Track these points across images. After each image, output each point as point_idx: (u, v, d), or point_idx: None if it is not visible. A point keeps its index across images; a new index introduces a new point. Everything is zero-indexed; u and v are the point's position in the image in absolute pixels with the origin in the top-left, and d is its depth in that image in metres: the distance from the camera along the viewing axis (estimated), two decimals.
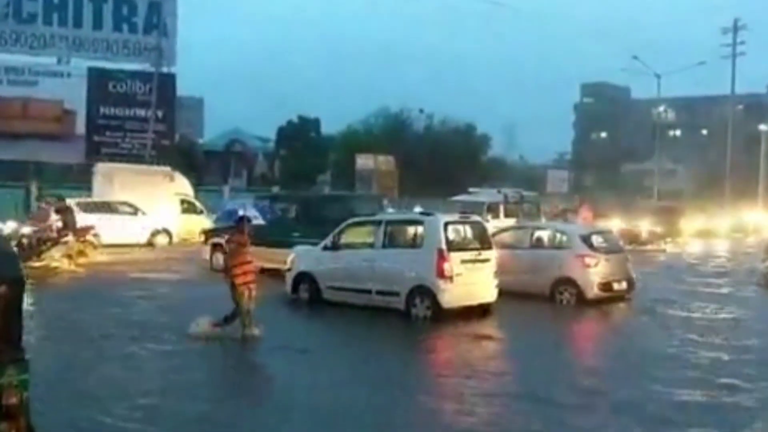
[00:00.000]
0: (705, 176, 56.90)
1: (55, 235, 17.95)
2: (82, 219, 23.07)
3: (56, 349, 9.45)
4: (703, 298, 15.31)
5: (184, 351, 9.90)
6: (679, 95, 62.42)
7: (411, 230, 13.46)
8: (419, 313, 12.35)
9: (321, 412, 7.50)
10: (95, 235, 20.03)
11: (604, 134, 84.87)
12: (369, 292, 12.98)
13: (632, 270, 15.29)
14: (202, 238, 19.95)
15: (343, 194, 29.54)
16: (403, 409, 7.74)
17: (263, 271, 13.78)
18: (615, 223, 27.25)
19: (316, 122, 58.19)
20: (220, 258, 18.40)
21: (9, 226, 18.47)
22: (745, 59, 50.25)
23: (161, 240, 24.50)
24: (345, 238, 13.83)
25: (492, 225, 17.64)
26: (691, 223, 32.63)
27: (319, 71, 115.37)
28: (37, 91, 35.49)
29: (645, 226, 28.47)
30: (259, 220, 15.24)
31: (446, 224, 12.75)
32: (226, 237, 17.62)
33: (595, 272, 14.27)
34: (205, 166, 52.50)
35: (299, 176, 48.43)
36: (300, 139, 55.65)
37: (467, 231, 13.52)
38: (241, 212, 14.67)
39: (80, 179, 36.67)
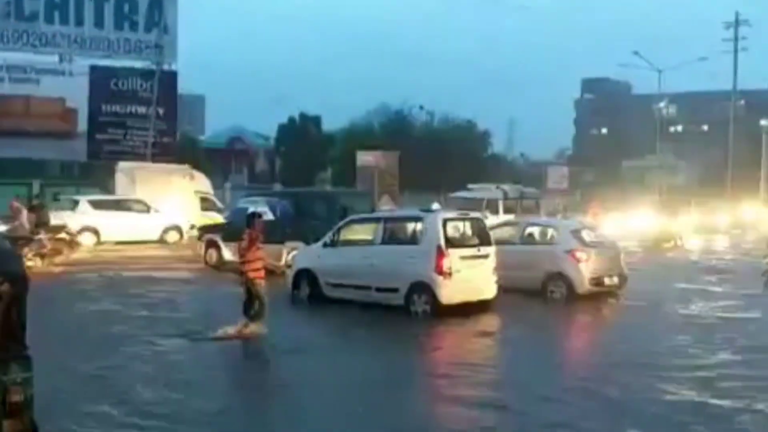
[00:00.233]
0: (706, 172, 56.91)
1: (27, 233, 17.55)
2: (94, 216, 23.53)
3: None
4: (700, 295, 15.36)
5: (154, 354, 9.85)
6: (680, 91, 62.45)
7: (410, 227, 13.58)
8: (418, 310, 12.44)
9: (324, 411, 7.57)
10: (70, 234, 19.78)
11: (604, 130, 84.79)
12: (368, 288, 13.08)
13: (625, 265, 15.41)
14: (197, 235, 20.24)
15: (334, 191, 29.88)
16: (401, 408, 7.83)
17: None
18: (637, 220, 27.52)
19: (316, 119, 58.23)
20: (213, 254, 18.79)
21: None
22: (746, 54, 50.33)
23: (172, 236, 24.68)
24: (345, 235, 13.94)
25: (488, 222, 17.73)
26: (691, 219, 32.68)
27: (319, 68, 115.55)
28: (39, 90, 35.49)
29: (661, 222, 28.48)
30: (269, 217, 15.36)
31: (445, 221, 12.85)
32: (221, 234, 17.84)
33: (585, 267, 14.39)
34: (206, 163, 52.52)
35: (300, 173, 48.50)
36: (301, 137, 55.68)
37: (466, 227, 13.63)
38: (251, 209, 14.82)
39: (82, 177, 36.88)
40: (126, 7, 37.52)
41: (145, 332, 10.88)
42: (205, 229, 20.12)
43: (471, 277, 12.72)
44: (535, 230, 15.93)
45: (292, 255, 14.84)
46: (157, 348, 10.03)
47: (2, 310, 3.84)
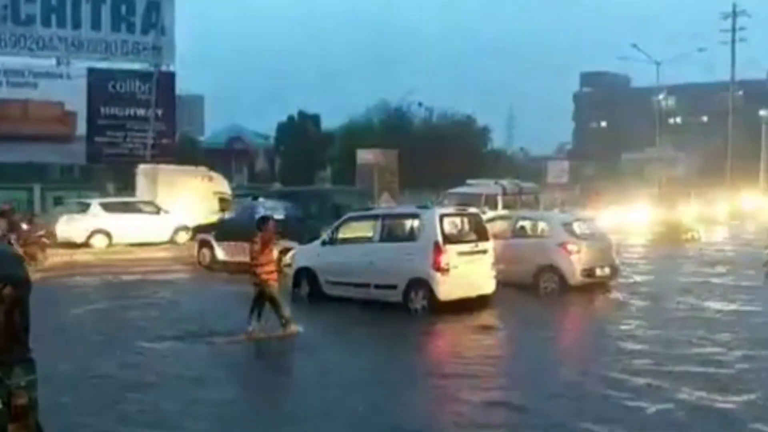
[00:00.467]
0: (706, 163, 56.87)
1: None
2: (105, 219, 23.74)
3: None
4: (701, 288, 15.38)
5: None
6: (679, 82, 62.38)
7: (408, 224, 13.63)
8: (417, 307, 12.49)
9: (324, 409, 7.60)
10: (41, 237, 19.71)
11: (604, 123, 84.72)
12: (367, 286, 13.14)
13: (616, 256, 15.55)
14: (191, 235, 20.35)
15: (327, 189, 29.97)
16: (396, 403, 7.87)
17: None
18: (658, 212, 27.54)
19: (315, 118, 58.16)
20: (206, 254, 18.94)
21: None
22: (745, 45, 50.27)
23: (182, 237, 24.80)
24: (344, 233, 14.00)
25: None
26: (691, 210, 32.68)
27: (318, 66, 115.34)
28: (38, 93, 35.53)
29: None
30: (280, 217, 15.41)
31: (442, 217, 12.90)
32: (215, 234, 17.93)
33: (577, 259, 14.48)
34: (206, 164, 52.52)
35: (300, 172, 48.48)
36: (300, 135, 55.61)
37: (464, 223, 13.68)
38: (262, 211, 14.87)
39: (83, 180, 36.95)
40: (123, 9, 37.54)
41: (131, 335, 10.90)
42: (198, 229, 20.23)
43: (469, 273, 12.75)
44: (527, 224, 16.07)
45: (290, 254, 14.90)
46: (150, 350, 10.07)
47: (5, 313, 3.86)
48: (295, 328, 10.77)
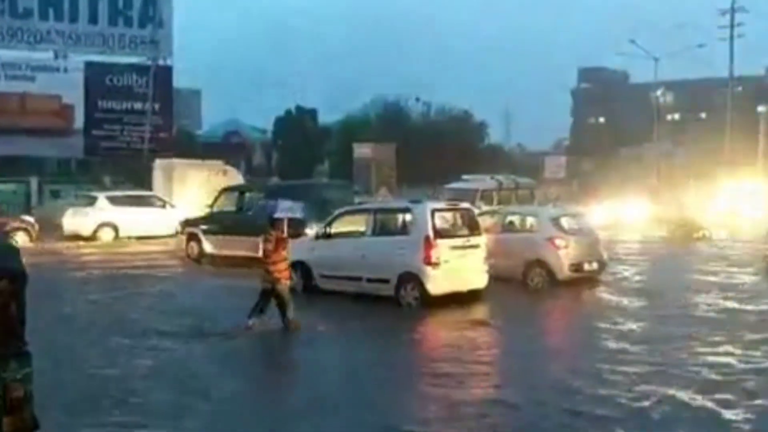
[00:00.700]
0: (704, 159, 56.85)
1: None
2: (112, 212, 23.88)
3: None
4: (700, 284, 15.33)
5: None
6: (677, 78, 62.34)
7: (400, 218, 13.71)
8: (408, 300, 12.57)
9: (319, 403, 7.67)
10: (7, 233, 19.76)
11: (602, 119, 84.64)
12: (360, 279, 13.21)
13: (603, 251, 15.72)
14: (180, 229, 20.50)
15: (314, 183, 30.11)
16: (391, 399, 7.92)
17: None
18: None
19: (313, 112, 58.15)
20: (195, 247, 19.14)
21: None
22: (744, 41, 50.19)
23: None
24: (337, 227, 14.07)
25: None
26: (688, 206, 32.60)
27: (315, 60, 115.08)
28: (35, 87, 35.63)
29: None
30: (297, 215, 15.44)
31: (434, 211, 12.95)
32: (203, 228, 18.00)
33: (565, 254, 14.58)
34: (203, 158, 52.54)
35: (297, 166, 48.52)
36: (297, 129, 55.61)
37: (456, 218, 13.75)
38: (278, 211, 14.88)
39: (80, 173, 36.99)
40: (120, 3, 37.60)
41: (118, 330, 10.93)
42: (186, 223, 20.38)
43: (460, 267, 12.81)
44: (516, 219, 16.18)
45: None
46: (138, 345, 10.09)
47: (0, 306, 3.91)
48: (296, 329, 10.81)
